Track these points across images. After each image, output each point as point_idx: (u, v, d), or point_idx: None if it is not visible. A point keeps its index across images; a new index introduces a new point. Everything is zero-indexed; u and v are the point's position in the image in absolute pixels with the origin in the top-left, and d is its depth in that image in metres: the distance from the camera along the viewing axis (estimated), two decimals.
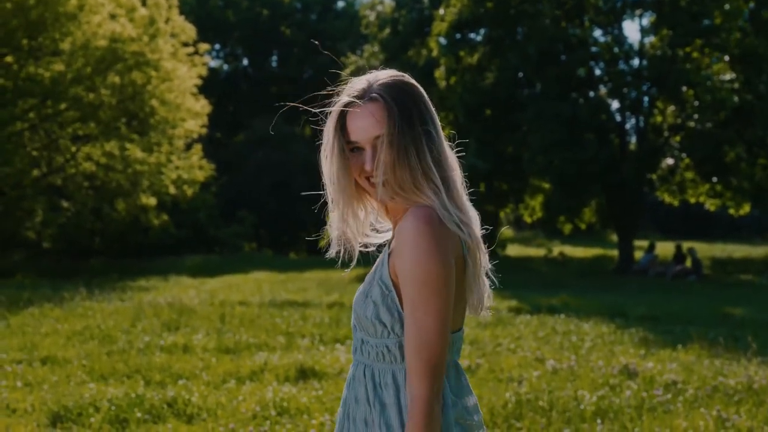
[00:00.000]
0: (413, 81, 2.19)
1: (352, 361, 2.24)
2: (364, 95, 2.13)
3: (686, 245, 28.46)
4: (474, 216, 2.21)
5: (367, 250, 2.33)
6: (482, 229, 2.25)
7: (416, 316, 2.01)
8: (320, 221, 2.37)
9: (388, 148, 2.08)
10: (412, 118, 2.11)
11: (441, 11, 28.75)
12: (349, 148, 2.16)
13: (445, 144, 2.20)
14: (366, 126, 2.11)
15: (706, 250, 32.54)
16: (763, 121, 23.43)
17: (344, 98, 2.16)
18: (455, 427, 2.12)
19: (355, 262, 2.31)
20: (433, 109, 2.19)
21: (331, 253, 2.28)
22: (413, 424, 1.99)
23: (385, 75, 2.17)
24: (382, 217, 2.31)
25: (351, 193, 2.20)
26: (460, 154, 2.27)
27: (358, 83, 2.17)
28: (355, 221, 2.26)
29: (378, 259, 2.19)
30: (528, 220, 31.68)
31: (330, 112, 2.18)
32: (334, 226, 2.25)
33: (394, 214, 2.23)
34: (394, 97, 2.11)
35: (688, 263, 24.40)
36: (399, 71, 2.20)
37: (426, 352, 2.01)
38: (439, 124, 2.20)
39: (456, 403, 2.16)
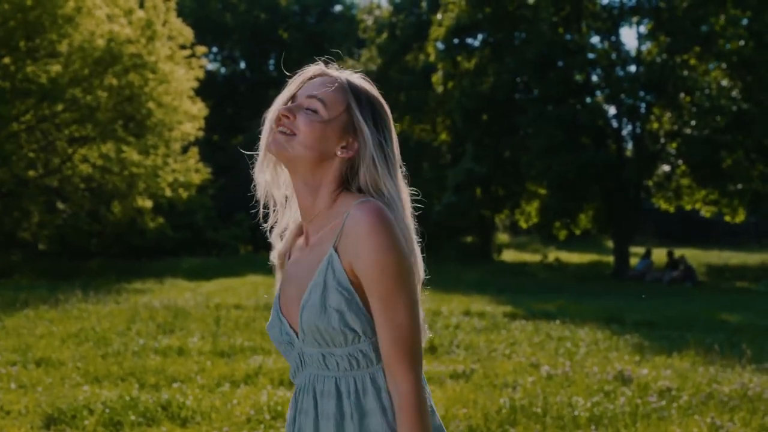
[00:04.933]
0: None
1: (302, 383, 2.11)
2: (332, 75, 2.10)
3: (681, 252, 28.50)
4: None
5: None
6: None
7: (390, 314, 1.95)
8: None
9: (321, 107, 2.03)
10: (374, 118, 2.07)
11: (439, 16, 28.84)
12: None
13: (400, 174, 2.12)
14: (312, 84, 2.07)
15: (701, 256, 32.58)
16: (762, 128, 23.48)
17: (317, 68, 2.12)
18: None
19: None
20: (395, 139, 2.13)
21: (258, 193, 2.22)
22: (411, 419, 1.94)
23: (362, 81, 2.12)
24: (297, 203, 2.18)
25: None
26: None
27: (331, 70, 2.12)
28: (275, 175, 2.19)
29: (320, 264, 2.03)
30: (523, 225, 31.68)
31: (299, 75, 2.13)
32: (257, 170, 2.20)
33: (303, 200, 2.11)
34: (357, 90, 2.08)
35: (681, 269, 24.45)
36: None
37: (405, 346, 1.96)
38: (398, 158, 2.12)
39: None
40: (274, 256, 2.24)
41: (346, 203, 2.03)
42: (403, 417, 1.96)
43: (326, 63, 2.16)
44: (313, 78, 2.11)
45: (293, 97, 2.10)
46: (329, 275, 1.99)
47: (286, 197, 2.22)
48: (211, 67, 45.79)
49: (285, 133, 2.03)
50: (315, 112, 2.03)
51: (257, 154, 2.20)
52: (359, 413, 2.01)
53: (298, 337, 2.06)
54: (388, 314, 1.96)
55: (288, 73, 2.17)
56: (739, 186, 25.63)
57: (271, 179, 2.20)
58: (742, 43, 24.42)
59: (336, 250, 1.99)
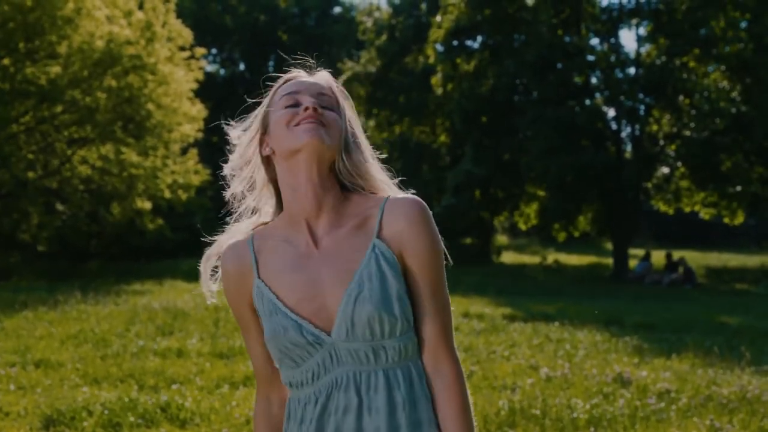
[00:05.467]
0: None
1: (336, 382, 2.01)
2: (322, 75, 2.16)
3: (681, 254, 28.51)
4: None
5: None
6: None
7: (438, 299, 2.02)
8: None
9: (336, 103, 2.09)
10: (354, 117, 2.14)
11: (438, 18, 28.82)
12: (285, 104, 2.06)
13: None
14: (313, 83, 2.09)
15: (701, 258, 32.57)
16: (761, 130, 23.49)
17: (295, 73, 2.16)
18: None
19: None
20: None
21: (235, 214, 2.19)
22: (461, 402, 2.00)
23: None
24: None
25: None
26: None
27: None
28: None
29: (360, 256, 2.01)
30: (523, 227, 31.68)
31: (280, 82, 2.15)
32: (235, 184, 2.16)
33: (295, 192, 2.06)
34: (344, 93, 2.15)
35: (681, 271, 24.46)
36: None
37: (448, 331, 2.04)
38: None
39: None
40: (235, 264, 2.11)
41: (366, 200, 2.07)
42: (453, 401, 2.00)
43: (309, 67, 2.20)
44: (296, 80, 2.13)
45: (294, 97, 2.07)
46: (383, 264, 1.99)
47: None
48: (210, 68, 45.78)
49: (323, 124, 2.03)
50: (333, 109, 2.07)
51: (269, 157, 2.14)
52: (411, 403, 2.00)
53: (330, 334, 2.00)
54: (437, 299, 2.02)
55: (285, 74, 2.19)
56: (738, 188, 25.65)
57: (263, 185, 2.18)
58: (741, 45, 24.44)
59: (381, 237, 2.01)
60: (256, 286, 2.06)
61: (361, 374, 2.00)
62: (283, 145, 2.03)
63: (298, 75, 2.15)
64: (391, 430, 1.98)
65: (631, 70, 26.77)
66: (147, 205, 24.50)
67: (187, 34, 24.59)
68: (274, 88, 2.15)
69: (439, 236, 2.04)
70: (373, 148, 2.15)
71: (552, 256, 33.68)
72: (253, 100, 2.21)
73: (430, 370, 2.03)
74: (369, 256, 2.00)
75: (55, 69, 21.55)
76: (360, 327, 1.96)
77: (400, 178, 2.19)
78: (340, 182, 2.09)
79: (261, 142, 2.12)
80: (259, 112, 2.14)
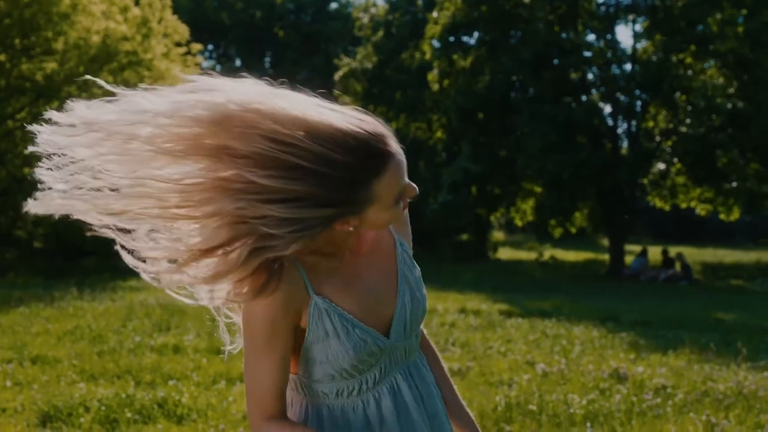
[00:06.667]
0: None
1: (395, 383, 2.04)
2: None
3: (677, 250, 28.55)
4: None
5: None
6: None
7: None
8: None
9: None
10: None
11: (434, 14, 28.81)
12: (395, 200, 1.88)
13: None
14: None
15: (697, 255, 32.62)
16: (757, 126, 23.51)
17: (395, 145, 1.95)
18: None
19: None
20: None
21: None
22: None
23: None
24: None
25: None
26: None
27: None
28: None
29: (394, 253, 2.08)
30: (519, 223, 31.70)
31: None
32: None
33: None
34: None
35: (678, 268, 24.49)
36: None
37: None
38: None
39: None
40: (286, 283, 1.87)
41: None
42: (440, 363, 2.28)
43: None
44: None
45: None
46: (412, 257, 2.14)
47: None
48: (206, 64, 45.77)
49: None
50: None
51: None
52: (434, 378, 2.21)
53: (389, 337, 2.01)
54: None
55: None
56: (734, 184, 25.67)
57: None
58: (737, 42, 24.44)
59: (399, 239, 2.13)
60: (315, 304, 1.92)
61: (409, 368, 2.08)
62: (384, 221, 1.90)
63: (398, 151, 1.96)
64: (443, 407, 2.15)
65: (628, 67, 26.79)
66: None
67: (183, 30, 24.57)
68: (370, 159, 1.89)
69: None
70: None
71: (548, 253, 33.72)
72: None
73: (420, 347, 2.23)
74: (401, 255, 2.09)
75: (51, 65, 21.52)
76: (416, 323, 2.07)
77: None
78: None
79: (345, 221, 1.86)
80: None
